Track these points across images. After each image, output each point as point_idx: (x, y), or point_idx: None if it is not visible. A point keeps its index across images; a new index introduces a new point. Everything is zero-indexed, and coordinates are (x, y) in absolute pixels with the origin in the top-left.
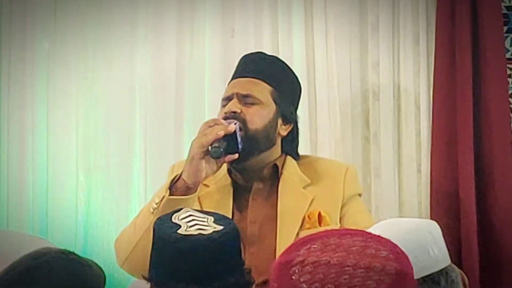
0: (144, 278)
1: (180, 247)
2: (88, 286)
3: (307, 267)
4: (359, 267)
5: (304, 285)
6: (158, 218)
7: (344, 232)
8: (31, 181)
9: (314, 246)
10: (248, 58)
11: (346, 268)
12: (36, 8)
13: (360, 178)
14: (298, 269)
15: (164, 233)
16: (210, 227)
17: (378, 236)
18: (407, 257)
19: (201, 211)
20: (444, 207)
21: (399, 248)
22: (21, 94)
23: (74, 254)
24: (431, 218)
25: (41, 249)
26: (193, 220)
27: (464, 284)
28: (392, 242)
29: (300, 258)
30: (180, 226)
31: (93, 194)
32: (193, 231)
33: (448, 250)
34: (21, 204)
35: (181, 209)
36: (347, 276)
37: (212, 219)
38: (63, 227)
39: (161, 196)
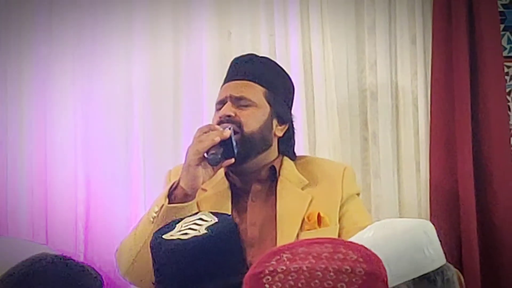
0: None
1: (160, 251)
2: None
3: (278, 275)
4: (329, 271)
5: None
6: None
7: (312, 241)
8: (30, 187)
9: (283, 256)
10: (239, 61)
11: (316, 273)
12: (33, 13)
13: (359, 178)
14: (269, 279)
15: (152, 239)
16: (194, 231)
17: (348, 241)
18: (378, 259)
19: (213, 213)
20: (444, 206)
21: (371, 251)
22: (18, 100)
23: (71, 259)
24: (431, 217)
25: (39, 255)
26: (187, 225)
27: (460, 283)
28: (363, 246)
29: (271, 268)
30: (171, 231)
31: (93, 200)
32: (178, 235)
33: (446, 249)
34: (20, 211)
35: (197, 212)
36: (317, 281)
37: (208, 224)
38: (63, 234)
39: (160, 205)
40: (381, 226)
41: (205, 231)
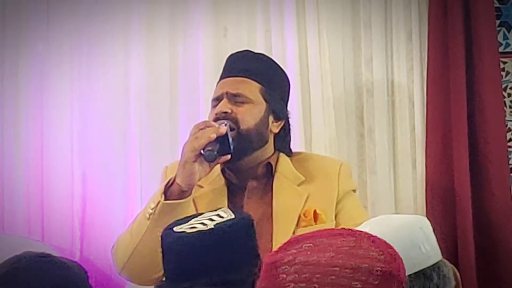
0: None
1: (165, 242)
2: None
3: (295, 266)
4: (346, 267)
5: (292, 284)
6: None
7: (337, 232)
8: (26, 184)
9: (304, 245)
10: (235, 57)
11: (333, 268)
12: (29, 11)
13: (355, 174)
14: (286, 269)
15: (164, 229)
16: (203, 226)
17: (373, 236)
18: (399, 259)
19: (233, 211)
20: (440, 202)
21: (393, 249)
22: (15, 97)
23: (53, 256)
24: (427, 214)
25: (20, 254)
26: (201, 219)
27: (456, 279)
28: (386, 243)
29: (290, 258)
30: (183, 224)
31: (89, 197)
32: (186, 228)
33: (442, 245)
34: (16, 207)
35: (219, 208)
36: (333, 277)
37: (220, 221)
38: (59, 231)
39: (157, 201)
40: (377, 222)
41: (212, 227)
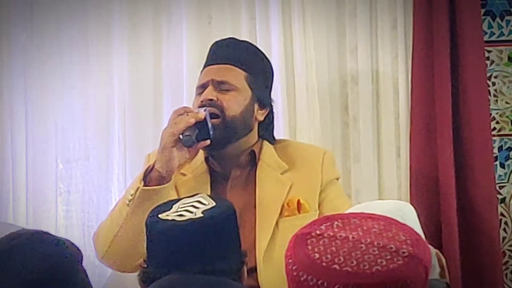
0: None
1: (154, 230)
2: (61, 266)
3: (323, 240)
4: (373, 246)
5: (317, 255)
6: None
7: (367, 216)
8: (10, 172)
9: (334, 223)
10: (219, 44)
11: (360, 245)
12: (13, 0)
13: (339, 162)
14: (313, 241)
15: (148, 217)
16: (190, 214)
17: (402, 223)
18: (426, 246)
19: (212, 197)
20: (424, 191)
21: (420, 237)
22: None
23: (49, 234)
24: (411, 202)
25: (15, 232)
26: (184, 206)
27: (441, 264)
28: (414, 231)
29: (318, 232)
30: (168, 210)
31: (73, 185)
32: (174, 216)
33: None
34: (1, 194)
35: (196, 194)
36: (358, 252)
37: (205, 208)
38: (43, 218)
39: (136, 188)
40: (361, 209)
41: (201, 215)
